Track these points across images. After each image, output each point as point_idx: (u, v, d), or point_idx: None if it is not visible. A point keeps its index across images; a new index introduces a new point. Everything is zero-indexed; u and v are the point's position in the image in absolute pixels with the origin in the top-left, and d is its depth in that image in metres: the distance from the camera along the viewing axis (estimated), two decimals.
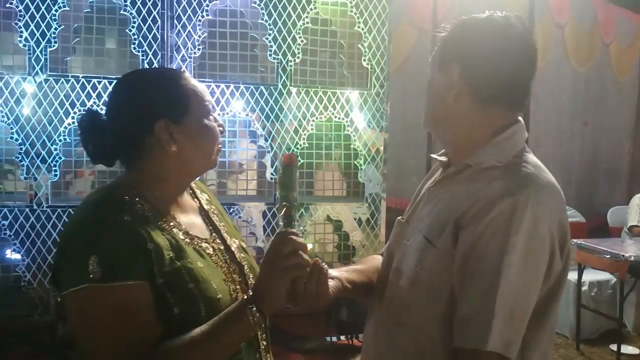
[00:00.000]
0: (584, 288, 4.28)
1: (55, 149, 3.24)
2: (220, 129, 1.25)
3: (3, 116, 3.17)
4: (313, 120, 3.60)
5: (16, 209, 3.22)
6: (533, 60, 1.22)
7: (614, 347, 4.02)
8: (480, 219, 1.12)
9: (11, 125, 3.19)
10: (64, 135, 3.26)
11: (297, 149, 3.56)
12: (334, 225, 3.78)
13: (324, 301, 1.19)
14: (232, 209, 3.47)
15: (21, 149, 3.20)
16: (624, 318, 4.05)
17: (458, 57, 1.21)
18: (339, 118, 3.65)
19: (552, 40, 5.20)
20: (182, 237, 1.15)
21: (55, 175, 3.27)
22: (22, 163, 3.21)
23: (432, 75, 1.27)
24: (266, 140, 3.55)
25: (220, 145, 1.25)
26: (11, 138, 3.20)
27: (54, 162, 3.25)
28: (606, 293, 4.37)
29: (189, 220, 1.22)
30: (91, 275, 1.02)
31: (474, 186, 1.19)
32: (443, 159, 1.35)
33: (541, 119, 4.99)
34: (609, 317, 4.17)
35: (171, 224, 1.16)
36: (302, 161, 3.58)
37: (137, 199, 1.13)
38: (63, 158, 3.29)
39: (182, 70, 1.31)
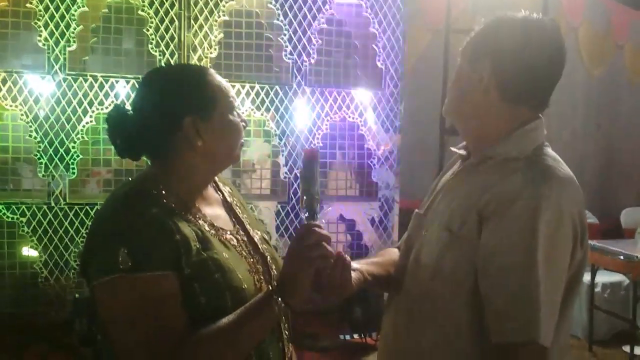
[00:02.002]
0: (597, 289, 4.27)
1: (73, 147, 3.29)
2: (243, 124, 1.27)
3: (22, 114, 3.21)
4: (327, 120, 3.62)
5: (34, 206, 3.26)
6: (562, 64, 1.27)
7: (627, 348, 4.01)
8: (504, 211, 1.15)
9: (30, 124, 3.23)
10: (82, 134, 3.30)
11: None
12: (346, 224, 3.80)
13: (347, 292, 1.22)
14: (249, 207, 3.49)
15: (40, 147, 3.24)
16: (637, 319, 4.03)
17: (491, 53, 1.24)
18: (353, 118, 3.67)
19: (565, 42, 5.19)
20: (207, 228, 1.18)
21: (73, 173, 3.31)
22: (40, 161, 3.25)
23: (461, 67, 1.30)
24: (280, 139, 3.58)
25: (243, 141, 1.28)
26: (30, 136, 3.25)
27: (71, 160, 3.29)
28: (619, 294, 4.36)
29: (213, 212, 1.25)
30: (121, 266, 1.05)
31: (495, 177, 1.21)
32: (462, 152, 1.38)
33: (554, 121, 4.98)
34: (622, 318, 4.15)
35: (197, 216, 1.19)
36: None
37: (163, 192, 1.16)
38: (81, 156, 3.33)
39: (206, 67, 1.34)
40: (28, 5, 3.19)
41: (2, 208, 3.23)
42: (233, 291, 1.12)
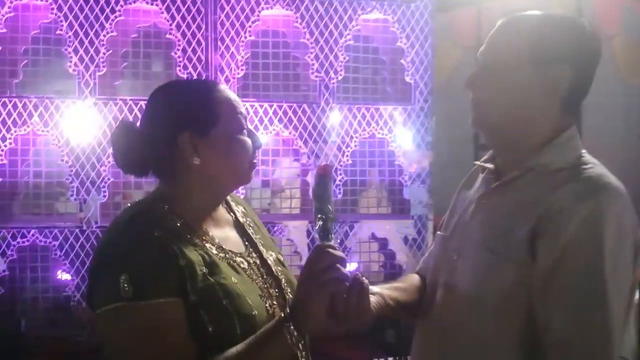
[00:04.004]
0: None
1: (104, 171, 3.31)
2: (257, 144, 1.22)
3: (54, 139, 3.25)
4: (356, 137, 3.57)
5: (66, 229, 3.28)
6: None
7: None
8: (562, 226, 1.06)
9: (62, 148, 3.27)
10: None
11: (341, 166, 3.53)
12: (379, 244, 3.71)
13: (366, 318, 1.14)
14: (276, 227, 3.46)
15: (71, 170, 3.27)
16: None
17: (570, 57, 1.16)
18: (383, 134, 3.60)
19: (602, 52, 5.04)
20: (215, 252, 1.13)
21: (104, 196, 3.33)
22: (72, 185, 3.28)
23: (518, 71, 1.17)
24: (309, 158, 3.53)
25: (254, 161, 1.20)
26: (62, 160, 3.28)
27: (102, 184, 3.31)
28: None
29: (223, 234, 1.20)
30: (122, 294, 1.00)
31: (542, 190, 1.12)
32: (489, 165, 1.29)
33: (593, 133, 4.80)
34: None
35: (204, 238, 1.14)
36: (345, 178, 3.55)
37: (168, 214, 1.11)
38: (112, 179, 3.34)
39: (217, 82, 1.28)
40: (58, 32, 3.25)
41: (35, 232, 3.26)
42: (242, 318, 1.07)
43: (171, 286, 1.02)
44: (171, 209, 1.12)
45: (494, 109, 1.21)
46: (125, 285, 1.00)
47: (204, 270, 1.07)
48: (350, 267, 3.66)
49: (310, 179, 3.55)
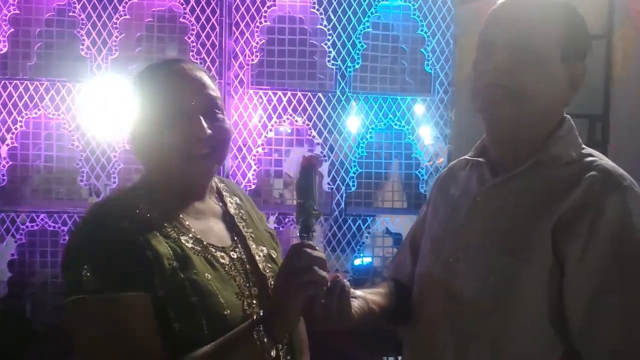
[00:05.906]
0: None
1: (115, 157, 3.27)
2: (196, 132, 1.05)
3: (65, 123, 3.22)
4: (372, 128, 3.46)
5: (75, 215, 3.25)
6: None
7: None
8: (593, 224, 1.00)
9: (72, 133, 3.23)
10: (124, 143, 3.27)
11: (355, 157, 3.43)
12: (393, 239, 3.61)
13: (347, 323, 1.05)
14: (287, 219, 3.38)
15: (82, 155, 3.24)
16: None
17: (586, 55, 1.14)
18: (400, 126, 3.49)
19: (633, 48, 4.84)
20: (190, 245, 1.04)
21: (114, 182, 3.28)
22: (82, 170, 3.25)
23: (548, 64, 1.11)
24: (323, 148, 3.44)
25: (200, 152, 1.06)
26: (72, 145, 3.25)
27: (113, 169, 3.27)
28: None
29: (204, 226, 1.11)
30: (85, 286, 0.94)
31: (557, 185, 1.05)
32: (481, 159, 1.19)
33: (623, 131, 4.62)
34: None
35: (179, 230, 1.05)
36: (360, 170, 3.45)
37: (143, 203, 1.04)
38: (122, 165, 3.30)
39: (177, 60, 1.08)
40: (71, 14, 3.20)
41: (45, 217, 3.24)
42: (212, 318, 0.98)
43: (136, 279, 0.95)
44: (149, 197, 1.05)
45: (514, 97, 1.10)
46: (88, 276, 0.94)
47: (174, 264, 0.99)
48: (363, 261, 3.58)
49: (324, 169, 3.46)
